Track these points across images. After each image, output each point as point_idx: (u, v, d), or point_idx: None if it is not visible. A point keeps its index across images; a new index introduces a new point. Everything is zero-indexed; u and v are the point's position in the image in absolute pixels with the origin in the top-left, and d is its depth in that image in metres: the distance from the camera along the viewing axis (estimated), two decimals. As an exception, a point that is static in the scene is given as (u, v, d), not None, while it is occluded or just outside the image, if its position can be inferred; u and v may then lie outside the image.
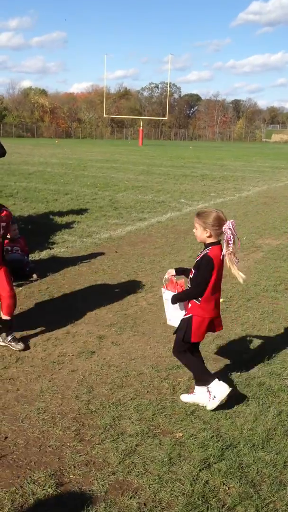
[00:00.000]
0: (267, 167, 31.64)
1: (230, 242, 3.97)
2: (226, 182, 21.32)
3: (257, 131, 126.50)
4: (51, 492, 3.16)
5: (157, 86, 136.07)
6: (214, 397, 4.11)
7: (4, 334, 5.24)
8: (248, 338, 5.59)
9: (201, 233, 4.10)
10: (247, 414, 4.09)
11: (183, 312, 4.26)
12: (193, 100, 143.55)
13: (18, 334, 5.50)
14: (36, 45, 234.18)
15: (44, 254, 8.86)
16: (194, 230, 4.16)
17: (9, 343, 5.21)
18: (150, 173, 24.20)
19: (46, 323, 5.88)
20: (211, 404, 4.13)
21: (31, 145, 53.58)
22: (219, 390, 4.12)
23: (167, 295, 4.32)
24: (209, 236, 4.07)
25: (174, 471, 3.39)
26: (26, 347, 5.19)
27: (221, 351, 5.25)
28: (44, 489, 3.18)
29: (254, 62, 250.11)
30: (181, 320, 4.22)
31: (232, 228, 3.98)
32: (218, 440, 3.71)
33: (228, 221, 4.01)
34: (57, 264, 8.27)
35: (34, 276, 7.52)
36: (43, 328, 5.72)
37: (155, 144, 78.83)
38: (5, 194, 15.38)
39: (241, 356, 5.17)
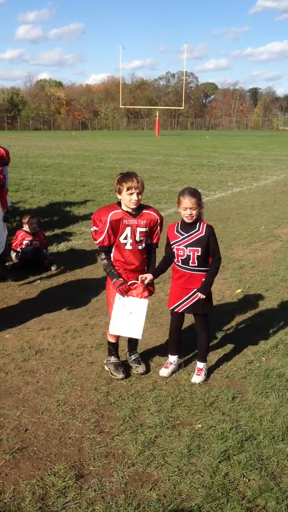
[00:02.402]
0: (285, 155, 31.29)
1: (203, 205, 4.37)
2: (243, 171, 21.15)
3: (274, 119, 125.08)
4: (71, 484, 3.18)
5: (173, 76, 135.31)
6: (205, 374, 4.49)
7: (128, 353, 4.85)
8: (266, 328, 5.55)
9: (198, 211, 4.24)
10: (267, 405, 4.07)
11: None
12: (210, 89, 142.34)
13: (38, 327, 5.55)
14: (54, 37, 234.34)
15: (62, 246, 8.89)
16: (193, 212, 4.21)
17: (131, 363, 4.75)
18: (167, 163, 24.11)
19: (64, 315, 5.91)
20: (200, 379, 4.43)
21: (48, 138, 53.74)
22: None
23: (143, 303, 4.35)
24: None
25: (193, 463, 3.39)
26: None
27: (240, 342, 5.22)
28: (64, 481, 3.20)
29: (272, 50, 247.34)
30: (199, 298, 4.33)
31: None
32: (238, 432, 3.70)
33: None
34: (75, 256, 8.30)
35: (52, 268, 7.55)
36: (62, 320, 5.75)
37: (171, 134, 78.41)
38: (23, 187, 15.45)
39: (260, 346, 5.14)
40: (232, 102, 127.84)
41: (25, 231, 7.81)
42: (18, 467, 3.34)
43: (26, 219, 7.89)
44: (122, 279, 4.35)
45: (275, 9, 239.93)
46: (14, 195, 13.49)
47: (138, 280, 4.38)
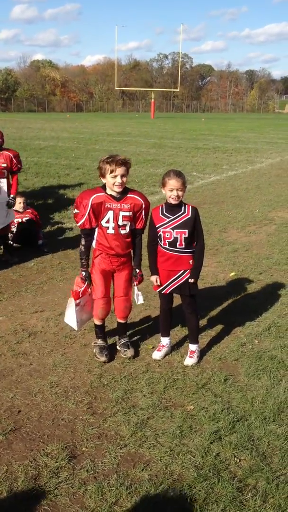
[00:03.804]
0: (280, 138, 31.13)
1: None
2: (238, 155, 21.06)
3: (270, 102, 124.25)
4: (64, 465, 3.21)
5: (166, 57, 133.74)
6: (198, 356, 4.55)
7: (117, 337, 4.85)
8: (259, 311, 5.57)
9: (183, 192, 4.24)
10: (259, 387, 4.10)
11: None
12: (205, 71, 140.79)
13: (31, 310, 5.55)
14: (49, 17, 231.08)
15: (56, 228, 8.86)
16: (180, 193, 4.19)
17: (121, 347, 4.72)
18: (162, 146, 23.96)
19: (58, 298, 5.90)
20: (192, 361, 4.48)
21: (43, 120, 53.23)
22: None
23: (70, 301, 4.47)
24: None
25: (185, 444, 3.42)
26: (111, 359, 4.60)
27: (232, 325, 5.25)
28: (57, 462, 3.23)
29: (269, 31, 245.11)
30: (188, 280, 4.36)
31: None
32: (229, 413, 3.73)
33: None
34: (69, 238, 8.28)
35: (46, 250, 7.55)
36: (56, 303, 5.75)
37: (167, 116, 77.87)
38: (16, 169, 15.32)
39: (253, 329, 5.16)
40: (228, 84, 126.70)
41: (15, 209, 7.85)
42: (11, 448, 3.36)
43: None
44: (85, 273, 4.43)
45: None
46: (7, 178, 13.39)
47: (123, 265, 4.46)
